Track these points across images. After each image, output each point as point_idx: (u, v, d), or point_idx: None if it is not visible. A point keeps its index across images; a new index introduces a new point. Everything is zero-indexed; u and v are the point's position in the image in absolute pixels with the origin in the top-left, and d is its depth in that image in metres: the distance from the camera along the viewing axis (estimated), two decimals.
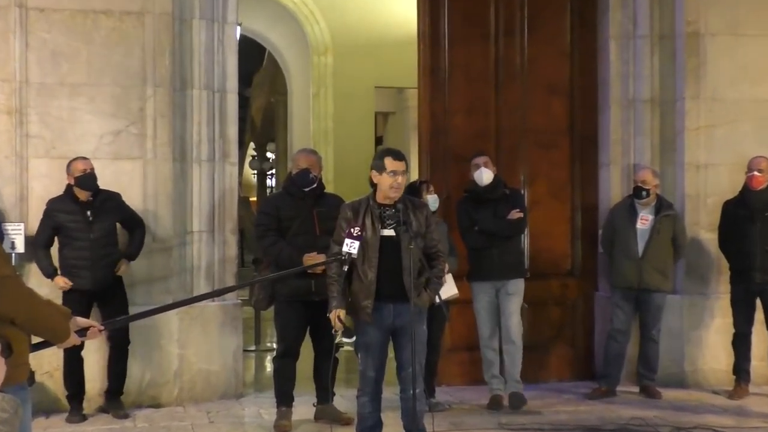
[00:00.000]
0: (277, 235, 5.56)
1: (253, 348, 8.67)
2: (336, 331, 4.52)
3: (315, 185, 5.62)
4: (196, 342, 6.24)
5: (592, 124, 7.12)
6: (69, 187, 5.73)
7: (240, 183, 24.65)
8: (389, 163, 4.60)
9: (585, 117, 7.12)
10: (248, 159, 27.64)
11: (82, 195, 5.71)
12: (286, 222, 5.58)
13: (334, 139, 12.10)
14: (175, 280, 6.20)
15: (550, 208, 7.02)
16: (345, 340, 4.53)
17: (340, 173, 11.59)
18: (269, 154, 26.28)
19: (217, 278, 6.33)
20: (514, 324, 6.07)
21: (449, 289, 5.77)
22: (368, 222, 4.62)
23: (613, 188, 6.97)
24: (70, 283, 5.64)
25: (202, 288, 6.25)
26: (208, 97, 6.30)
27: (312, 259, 5.40)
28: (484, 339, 6.17)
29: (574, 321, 7.10)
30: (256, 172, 27.44)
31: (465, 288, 6.29)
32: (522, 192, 6.59)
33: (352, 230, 4.39)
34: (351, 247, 4.40)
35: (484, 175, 6.13)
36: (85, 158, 5.73)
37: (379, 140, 15.07)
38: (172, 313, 6.05)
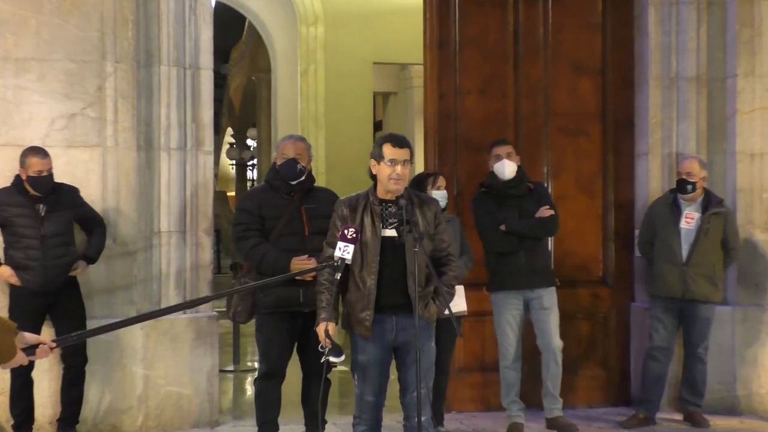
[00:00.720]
0: (260, 237, 5.55)
1: (231, 368, 8.66)
2: (323, 348, 4.50)
3: (303, 178, 5.61)
4: (164, 361, 6.22)
5: (627, 107, 7.11)
6: (18, 179, 5.71)
7: (216, 175, 24.72)
8: (388, 150, 4.58)
9: (619, 98, 7.10)
10: (225, 147, 27.67)
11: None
12: (269, 221, 5.57)
13: (325, 124, 12.08)
14: (140, 289, 6.18)
15: (578, 205, 7.00)
16: (333, 359, 4.51)
17: (332, 164, 11.58)
18: (250, 142, 26.30)
19: (189, 287, 6.31)
20: (558, 345, 6.14)
21: (458, 303, 5.75)
22: (367, 221, 4.60)
23: (652, 181, 6.95)
24: (18, 281, 5.61)
25: (171, 298, 6.23)
26: (178, 74, 6.28)
27: (300, 264, 5.38)
28: (507, 359, 6.17)
29: (607, 337, 7.09)
30: (234, 162, 27.48)
31: (479, 298, 6.28)
32: (547, 186, 6.56)
33: (346, 231, 4.36)
34: (345, 251, 4.37)
35: (507, 168, 6.11)
36: (45, 154, 5.67)
37: (378, 125, 15.06)
38: (136, 328, 6.02)
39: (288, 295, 5.48)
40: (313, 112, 12.18)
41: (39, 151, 5.69)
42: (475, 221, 6.25)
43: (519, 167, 6.18)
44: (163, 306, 6.11)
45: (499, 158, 6.16)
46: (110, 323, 3.65)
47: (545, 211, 6.09)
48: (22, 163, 5.67)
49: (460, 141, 6.88)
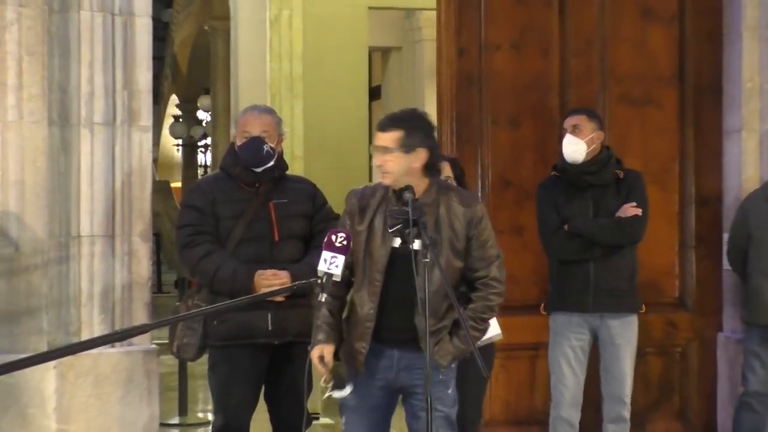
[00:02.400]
0: (212, 243, 5.57)
1: (175, 421, 8.66)
2: (326, 384, 4.53)
3: (272, 164, 5.62)
4: (85, 411, 6.22)
5: (713, 67, 7.13)
6: None
7: (156, 160, 24.68)
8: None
9: (702, 55, 7.12)
10: (168, 122, 27.68)
11: None
12: (226, 221, 5.59)
13: (303, 91, 12.07)
14: (53, 315, 6.17)
15: None
16: (336, 394, 4.55)
17: (313, 144, 11.56)
18: (201, 115, 26.32)
19: (120, 311, 6.30)
20: (628, 392, 6.16)
21: (490, 329, 5.75)
22: (378, 222, 4.62)
23: (746, 168, 6.98)
24: None
25: (95, 326, 6.23)
26: (105, 23, 6.27)
27: (267, 280, 5.39)
28: (560, 406, 6.19)
29: (686, 378, 7.12)
30: (180, 142, 27.50)
31: (509, 326, 6.28)
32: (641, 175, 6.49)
33: (333, 238, 4.37)
34: (332, 264, 4.37)
35: (567, 147, 6.10)
36: None
37: (374, 92, 15.04)
38: (47, 367, 6.02)
39: (251, 321, 5.49)
40: (287, 74, 12.16)
41: None
42: (536, 215, 6.27)
43: (604, 147, 6.16)
44: (84, 337, 6.09)
45: (564, 133, 6.15)
46: (11, 361, 3.64)
47: (629, 210, 6.07)
48: None
49: (486, 112, 6.88)
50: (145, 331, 6.33)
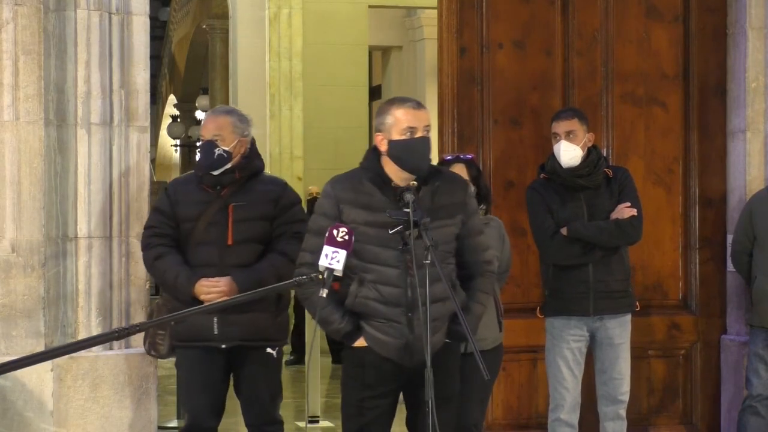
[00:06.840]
0: (168, 246, 5.59)
1: (173, 424, 8.65)
2: None
3: (229, 166, 5.58)
4: (82, 414, 6.21)
5: (717, 67, 7.12)
6: None
7: (153, 160, 24.62)
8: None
9: (706, 54, 7.11)
10: (166, 122, 27.65)
11: None
12: (186, 223, 5.58)
13: (303, 90, 12.07)
14: (50, 316, 6.16)
15: (650, 201, 6.97)
16: None
17: (313, 144, 11.54)
18: (199, 114, 26.27)
19: (117, 312, 6.29)
20: (626, 390, 6.15)
21: None
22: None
23: (751, 169, 6.97)
24: None
25: (92, 327, 6.22)
26: (102, 21, 6.27)
27: (206, 287, 5.42)
28: (559, 409, 6.17)
29: (689, 381, 7.11)
30: (179, 142, 27.47)
31: (514, 328, 6.26)
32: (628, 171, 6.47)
33: (335, 232, 4.34)
34: (333, 259, 4.34)
35: (564, 154, 6.07)
36: None
37: (375, 91, 15.05)
38: (44, 369, 6.01)
39: (199, 324, 5.47)
40: (287, 73, 12.15)
41: None
42: (529, 220, 6.25)
43: (592, 148, 6.14)
44: (81, 338, 6.09)
45: (556, 138, 6.12)
46: (7, 361, 3.63)
47: (625, 210, 6.06)
48: None
49: (488, 112, 6.87)
50: (143, 330, 6.33)
